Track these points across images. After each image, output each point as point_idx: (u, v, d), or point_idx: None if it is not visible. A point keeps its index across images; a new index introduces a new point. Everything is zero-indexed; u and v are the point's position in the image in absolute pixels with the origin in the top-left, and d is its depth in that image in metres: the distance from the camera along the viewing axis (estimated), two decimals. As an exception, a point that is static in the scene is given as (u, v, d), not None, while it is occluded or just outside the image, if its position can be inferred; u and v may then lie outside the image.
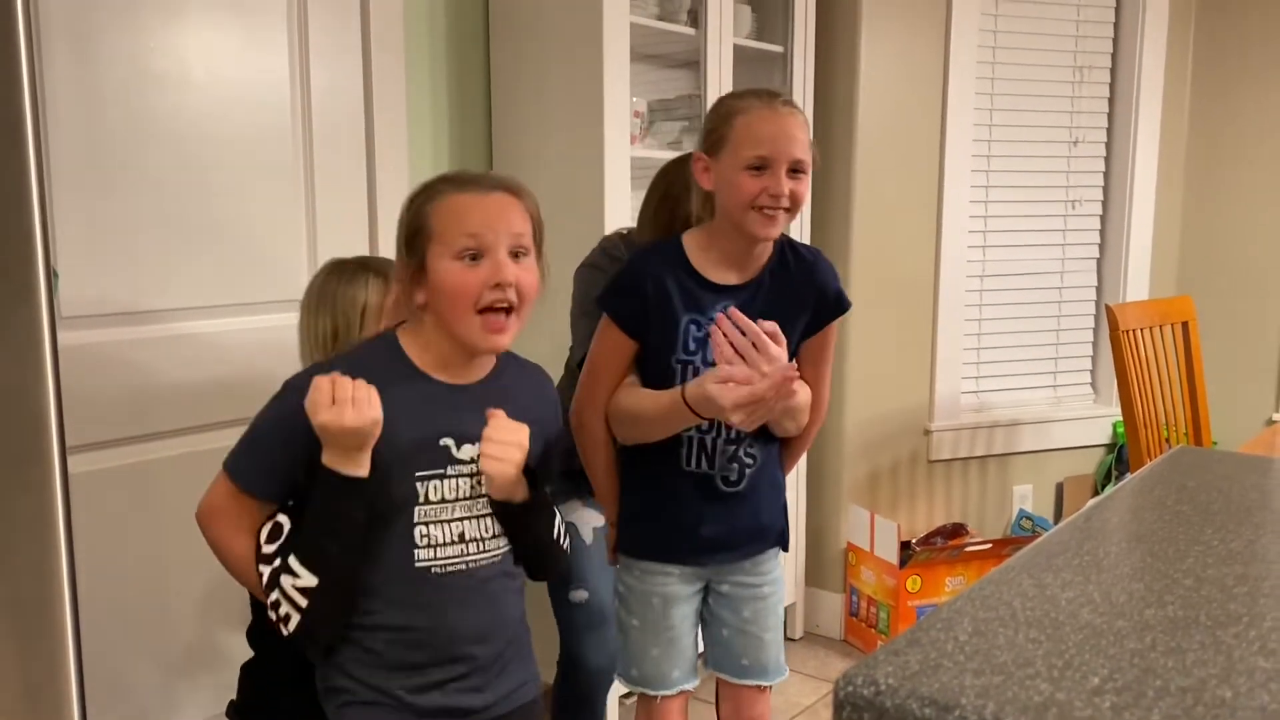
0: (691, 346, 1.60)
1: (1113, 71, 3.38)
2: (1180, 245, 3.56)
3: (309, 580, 1.28)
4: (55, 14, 1.74)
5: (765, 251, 1.62)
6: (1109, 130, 3.40)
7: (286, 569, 1.29)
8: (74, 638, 1.29)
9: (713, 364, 1.53)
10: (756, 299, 1.60)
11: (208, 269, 2.01)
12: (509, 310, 1.29)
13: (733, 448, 1.63)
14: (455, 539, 1.33)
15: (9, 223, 1.20)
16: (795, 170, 1.52)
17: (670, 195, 1.80)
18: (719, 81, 2.59)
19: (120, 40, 1.85)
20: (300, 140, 2.15)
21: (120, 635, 1.95)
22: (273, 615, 1.31)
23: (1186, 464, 1.14)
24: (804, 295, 1.63)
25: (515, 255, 1.30)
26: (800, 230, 2.89)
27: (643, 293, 1.59)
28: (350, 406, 1.23)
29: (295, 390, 1.31)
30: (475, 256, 1.28)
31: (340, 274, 1.59)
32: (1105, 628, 0.70)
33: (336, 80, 2.19)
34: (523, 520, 1.37)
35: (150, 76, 1.89)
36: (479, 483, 1.34)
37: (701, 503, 1.64)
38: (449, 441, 1.32)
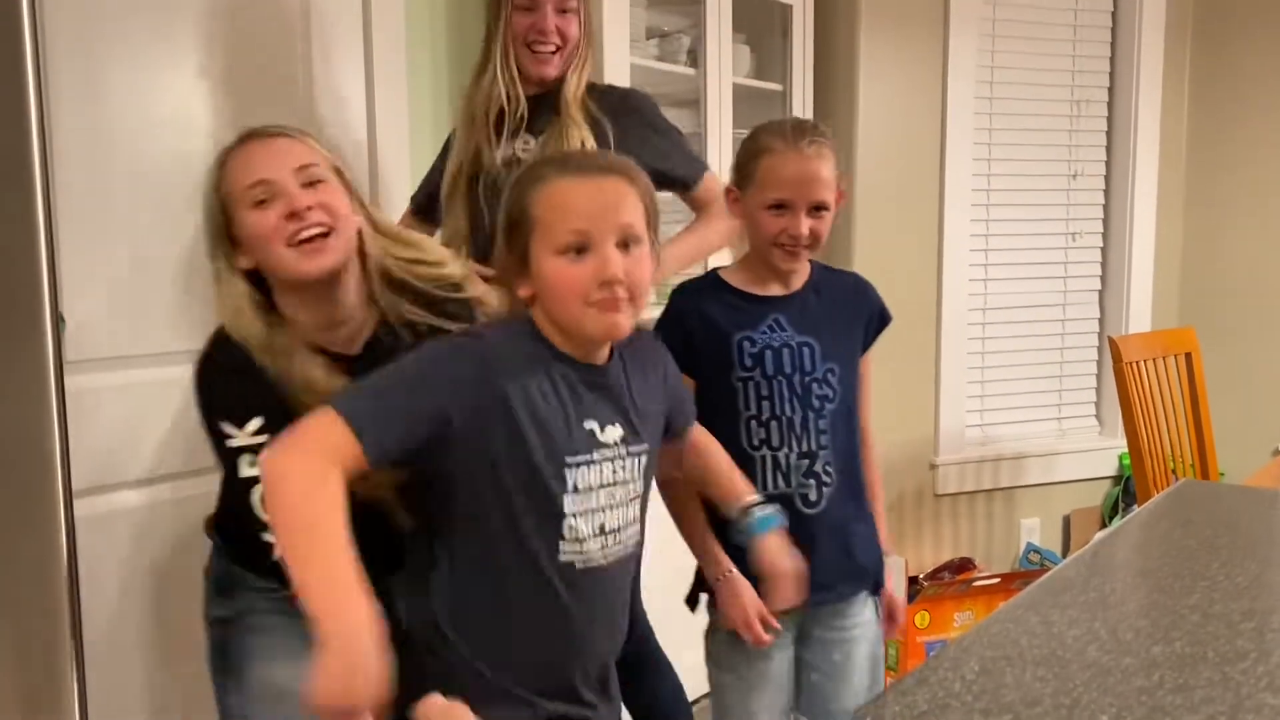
0: (748, 363, 1.57)
1: (1110, 105, 3.40)
2: (1181, 276, 3.57)
3: None
4: (62, 57, 1.77)
5: (803, 269, 1.63)
6: (1108, 163, 3.42)
7: None
8: (79, 681, 1.28)
9: (773, 377, 1.55)
10: (807, 309, 1.61)
11: (215, 311, 2.02)
12: (620, 303, 1.20)
13: (807, 462, 1.57)
14: (596, 531, 1.24)
15: (17, 268, 1.21)
16: (817, 208, 1.54)
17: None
18: (719, 120, 2.61)
19: (126, 84, 1.87)
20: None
21: (124, 676, 1.94)
22: None
23: (1191, 498, 1.14)
24: (854, 306, 1.66)
25: (626, 245, 1.20)
26: (802, 266, 2.91)
27: (686, 327, 1.57)
28: None
29: (457, 349, 1.20)
30: (581, 250, 1.18)
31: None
32: (1112, 665, 0.70)
33: (340, 115, 2.21)
34: None
35: (157, 120, 1.91)
36: (621, 467, 1.25)
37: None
38: (593, 425, 1.23)
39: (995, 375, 3.34)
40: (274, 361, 1.33)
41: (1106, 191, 3.44)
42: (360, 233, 1.38)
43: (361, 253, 1.39)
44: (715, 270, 1.66)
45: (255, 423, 1.33)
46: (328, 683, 0.99)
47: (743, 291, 1.61)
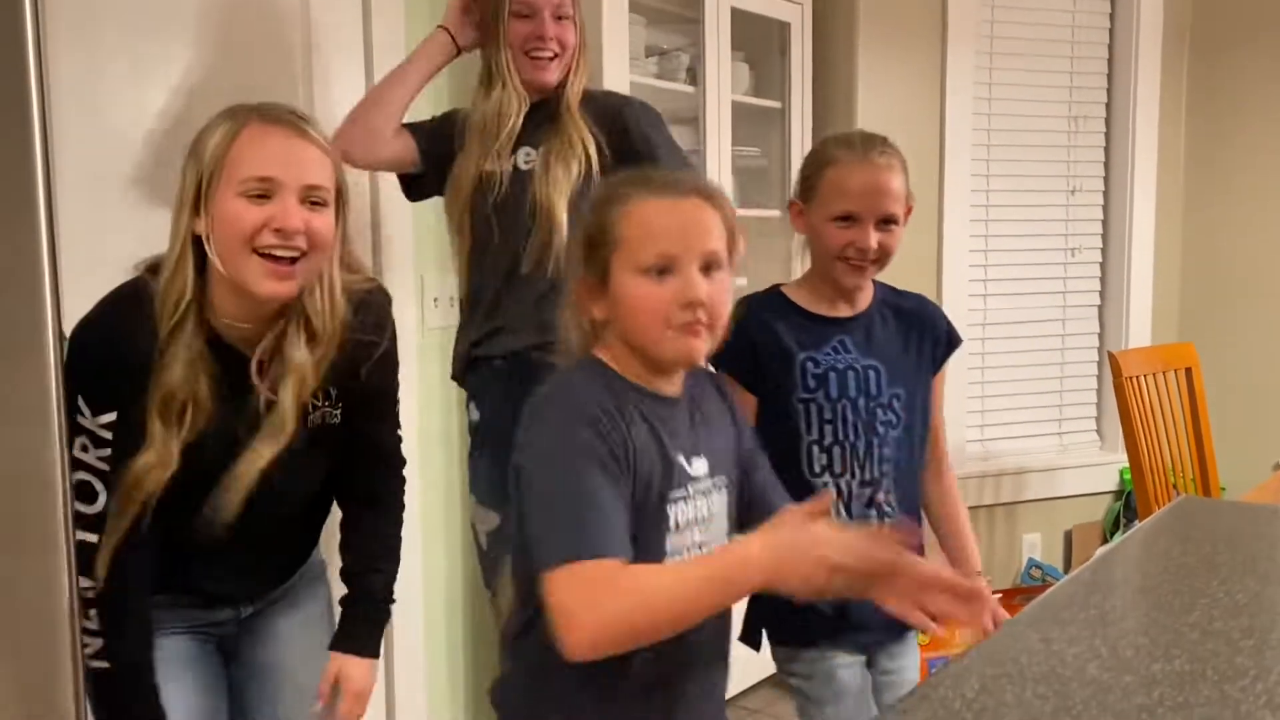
0: (811, 384, 1.52)
1: (1108, 120, 3.42)
2: (1181, 290, 3.58)
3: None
4: (64, 87, 1.77)
5: (867, 289, 1.59)
6: (1106, 178, 3.43)
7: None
8: (76, 704, 1.28)
9: (837, 400, 1.50)
10: (873, 332, 1.56)
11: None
12: (700, 327, 1.16)
13: (869, 491, 1.52)
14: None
15: (20, 287, 1.22)
16: (886, 221, 1.49)
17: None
18: (718, 138, 2.62)
19: (128, 110, 1.88)
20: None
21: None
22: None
23: (1191, 514, 1.14)
24: (921, 327, 1.61)
25: (708, 268, 1.16)
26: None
27: (752, 339, 1.51)
28: None
29: (578, 414, 1.12)
30: (664, 271, 1.15)
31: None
32: (1112, 683, 0.70)
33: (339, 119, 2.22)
34: None
35: (159, 147, 1.92)
36: (712, 502, 1.22)
37: None
38: (681, 459, 1.18)
39: (995, 390, 3.34)
40: (173, 334, 1.28)
41: (1105, 206, 3.45)
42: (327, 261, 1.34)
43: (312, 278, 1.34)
44: (779, 287, 1.61)
45: (108, 417, 1.29)
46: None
47: (807, 311, 1.56)
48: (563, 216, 1.87)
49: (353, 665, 1.49)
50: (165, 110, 1.93)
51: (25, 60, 1.19)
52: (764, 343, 1.51)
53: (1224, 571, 0.95)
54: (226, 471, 1.36)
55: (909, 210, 1.52)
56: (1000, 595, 3.02)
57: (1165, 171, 3.45)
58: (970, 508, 3.26)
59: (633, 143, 1.97)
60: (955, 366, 3.15)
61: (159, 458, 1.30)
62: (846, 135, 1.56)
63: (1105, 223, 3.45)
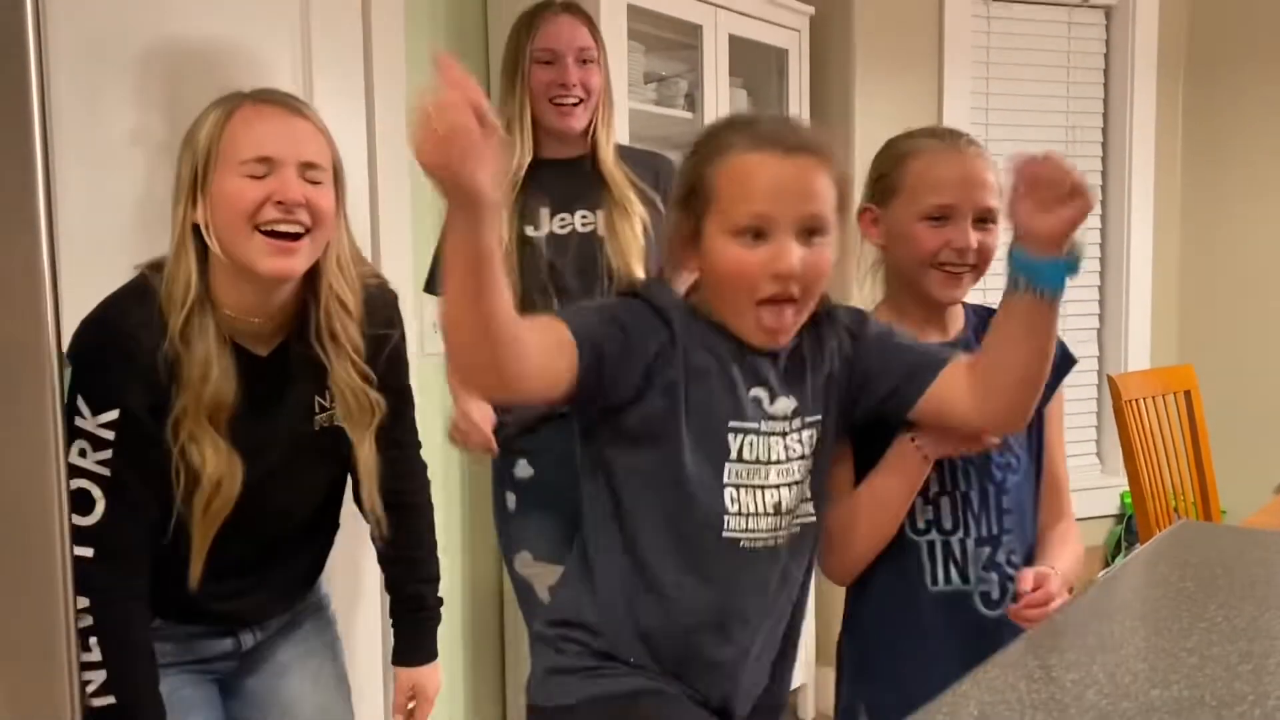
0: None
1: (1104, 144, 3.44)
2: (1180, 312, 3.59)
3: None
4: (64, 93, 1.78)
5: (956, 312, 1.36)
6: (1103, 201, 3.45)
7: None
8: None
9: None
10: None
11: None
12: (791, 301, 1.09)
13: (988, 550, 1.26)
14: (770, 509, 1.14)
15: (22, 310, 1.22)
16: (983, 220, 1.29)
17: None
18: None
19: (127, 115, 1.87)
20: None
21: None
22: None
23: (1189, 539, 1.14)
24: None
25: (809, 234, 1.08)
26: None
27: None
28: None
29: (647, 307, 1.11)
30: (759, 235, 1.07)
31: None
32: (1111, 710, 0.70)
33: (339, 124, 2.22)
34: None
35: (157, 149, 1.92)
36: (798, 440, 1.16)
37: (957, 641, 1.22)
38: (760, 393, 1.13)
39: (995, 414, 3.34)
40: (183, 333, 1.24)
41: (1102, 230, 3.46)
42: (329, 243, 1.32)
43: (318, 263, 1.31)
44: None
45: (109, 415, 1.24)
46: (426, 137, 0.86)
47: None
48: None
49: (423, 675, 1.53)
50: (161, 130, 1.94)
51: (27, 72, 1.21)
52: None
53: (1222, 596, 0.95)
54: (286, 475, 1.34)
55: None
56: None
57: (1162, 193, 3.47)
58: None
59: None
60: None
61: (218, 469, 1.25)
62: (924, 129, 1.37)
63: (1102, 245, 3.46)
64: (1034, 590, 1.16)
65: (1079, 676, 0.76)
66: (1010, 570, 1.26)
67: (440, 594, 1.56)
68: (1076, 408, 3.48)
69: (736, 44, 2.67)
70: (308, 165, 1.23)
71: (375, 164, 2.23)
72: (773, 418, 1.14)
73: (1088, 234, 3.43)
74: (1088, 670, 0.78)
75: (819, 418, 1.19)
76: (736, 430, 1.11)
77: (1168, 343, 3.55)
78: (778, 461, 1.13)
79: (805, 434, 1.17)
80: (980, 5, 3.17)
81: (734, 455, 1.11)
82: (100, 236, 1.85)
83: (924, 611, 1.25)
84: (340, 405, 1.35)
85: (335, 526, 1.55)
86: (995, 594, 1.26)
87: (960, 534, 1.26)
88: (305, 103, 1.30)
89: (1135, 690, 0.74)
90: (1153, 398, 2.88)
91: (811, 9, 2.91)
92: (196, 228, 1.26)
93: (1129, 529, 3.44)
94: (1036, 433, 1.34)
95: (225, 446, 1.26)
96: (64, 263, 1.62)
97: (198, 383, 1.23)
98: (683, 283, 1.20)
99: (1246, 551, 1.10)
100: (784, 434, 1.14)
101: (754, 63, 2.86)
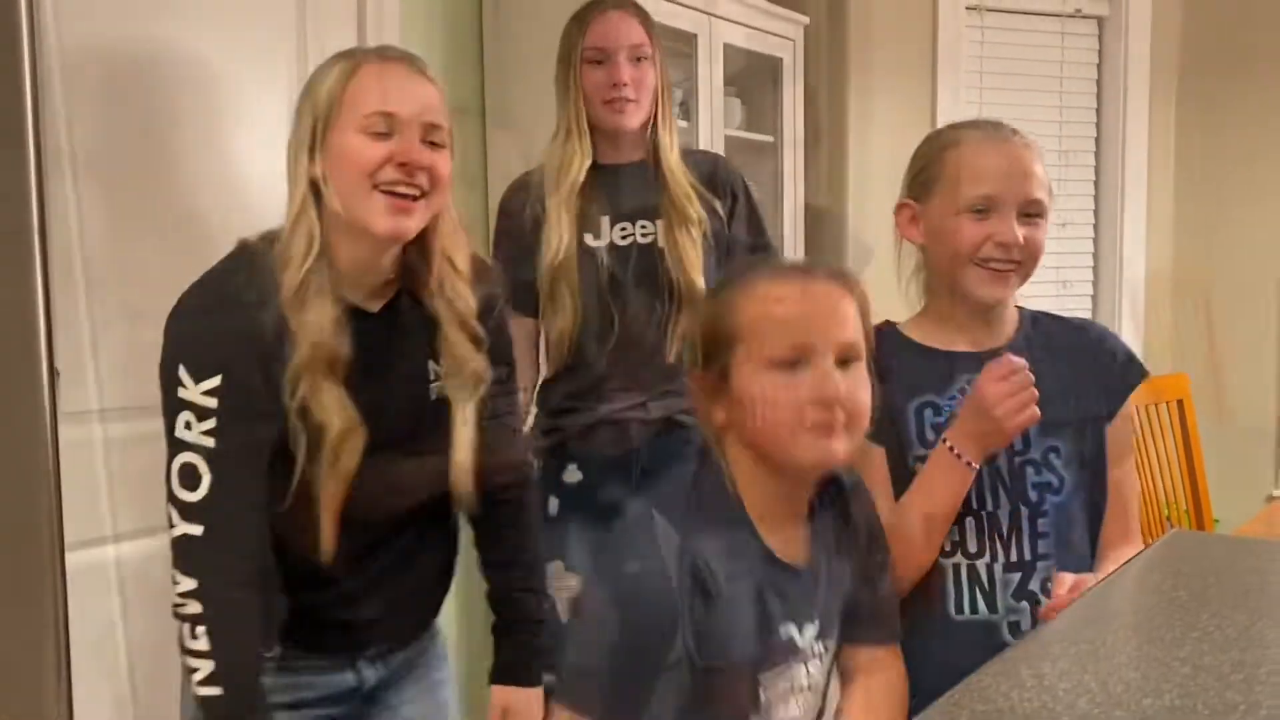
0: (930, 437, 1.22)
1: (1097, 154, 3.45)
2: (1174, 321, 3.60)
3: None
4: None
5: (1008, 316, 1.28)
6: (1096, 210, 3.47)
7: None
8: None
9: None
10: None
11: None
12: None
13: (1019, 576, 1.18)
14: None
15: (13, 323, 1.22)
16: (1030, 214, 1.22)
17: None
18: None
19: (134, 115, 1.87)
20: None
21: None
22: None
23: (1181, 549, 1.14)
24: (1080, 362, 1.27)
25: (845, 364, 1.03)
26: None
27: None
28: None
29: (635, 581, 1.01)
30: (796, 365, 1.01)
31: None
32: (1103, 718, 0.70)
33: None
34: None
35: (154, 155, 1.91)
36: (817, 666, 1.09)
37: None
38: (791, 630, 1.04)
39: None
40: (299, 290, 1.19)
41: (1095, 239, 3.48)
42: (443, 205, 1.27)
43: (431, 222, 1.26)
44: (889, 321, 1.31)
45: (212, 381, 1.18)
46: None
47: (924, 346, 1.27)
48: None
49: (519, 697, 1.38)
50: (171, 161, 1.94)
51: (21, 71, 1.21)
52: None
53: (1214, 605, 0.95)
54: (409, 444, 1.26)
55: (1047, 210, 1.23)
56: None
57: (1155, 203, 3.48)
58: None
59: (744, 211, 1.93)
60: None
61: (345, 421, 1.18)
62: (967, 120, 1.32)
63: (1096, 255, 3.48)
64: (1069, 593, 1.08)
65: (1071, 685, 0.77)
66: (1044, 598, 1.17)
67: (545, 612, 1.41)
68: (1070, 416, 3.49)
69: (731, 53, 2.68)
70: (430, 126, 1.19)
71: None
72: (799, 650, 1.06)
73: (1081, 243, 3.44)
74: (1080, 679, 0.78)
75: (835, 640, 1.12)
76: (766, 678, 1.05)
77: (1161, 352, 3.56)
78: (801, 690, 1.07)
79: (824, 660, 1.10)
80: (974, 15, 3.19)
81: (761, 706, 1.05)
82: (97, 246, 1.84)
83: (950, 641, 1.18)
84: (447, 365, 1.28)
85: (458, 529, 1.43)
86: (1026, 625, 1.17)
87: (987, 559, 1.19)
88: (426, 63, 1.25)
89: (1127, 699, 0.74)
90: (1145, 406, 2.89)
91: (806, 19, 2.92)
92: (315, 184, 1.21)
93: (1122, 538, 3.45)
94: (1093, 454, 1.24)
95: (347, 399, 1.19)
96: (61, 275, 1.61)
97: (314, 337, 1.18)
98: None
99: (1239, 560, 1.10)
100: (807, 660, 1.07)
101: (749, 71, 2.87)
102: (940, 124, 3.10)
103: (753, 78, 2.91)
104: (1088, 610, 0.94)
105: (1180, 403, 3.01)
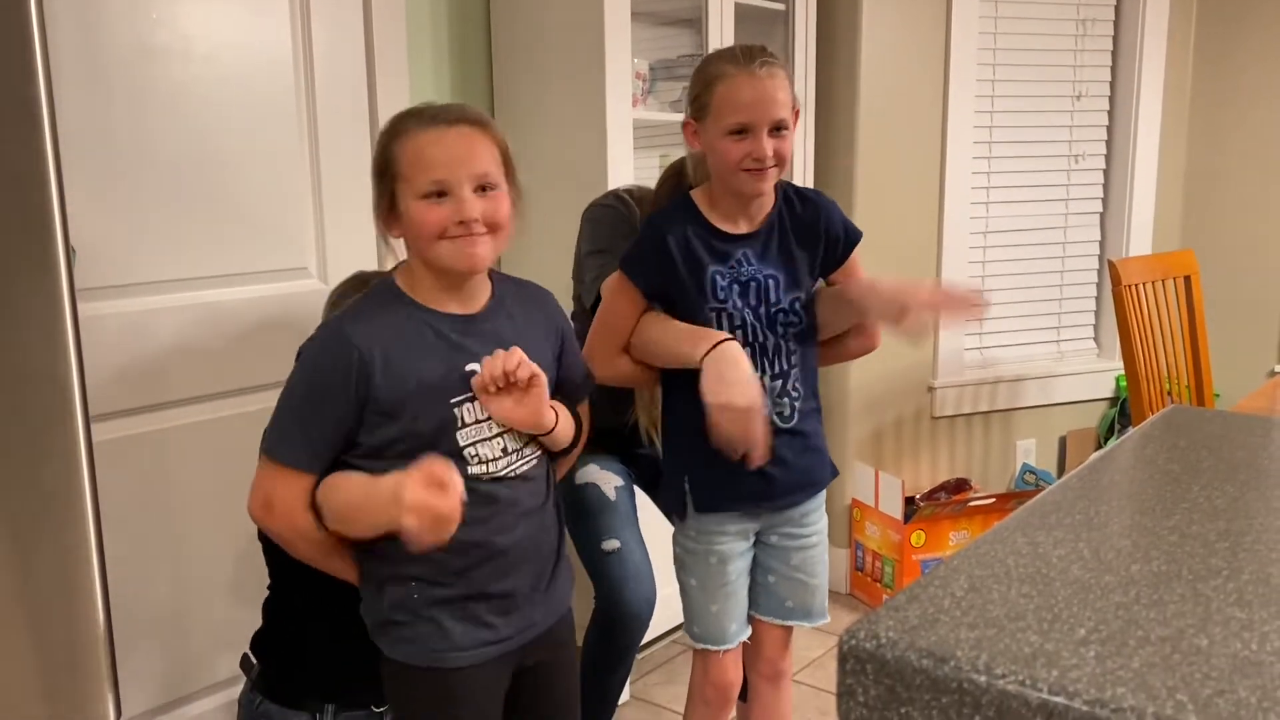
0: (720, 295, 1.65)
1: (1116, 25, 3.37)
2: (1184, 198, 3.57)
3: None
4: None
5: (767, 201, 1.69)
6: (1113, 84, 3.40)
7: None
8: (103, 600, 1.34)
9: (742, 309, 1.65)
10: (770, 245, 1.68)
11: (217, 239, 2.04)
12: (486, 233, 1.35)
13: (780, 383, 1.68)
14: (500, 453, 1.39)
15: (29, 205, 1.24)
16: (777, 129, 1.59)
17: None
18: (720, 41, 2.59)
19: (123, 14, 1.86)
20: (304, 106, 2.17)
21: (142, 599, 2.00)
22: None
23: (1179, 423, 1.17)
24: (813, 235, 1.71)
25: (483, 189, 1.34)
26: (804, 190, 2.91)
27: (666, 250, 1.63)
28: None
29: (312, 355, 1.37)
30: (441, 195, 1.32)
31: (359, 285, 1.62)
32: (1093, 583, 0.74)
33: (337, 45, 2.20)
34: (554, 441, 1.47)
35: (153, 51, 1.91)
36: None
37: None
38: (476, 367, 1.37)
39: (995, 298, 3.36)
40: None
41: (1110, 113, 3.42)
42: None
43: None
44: (688, 196, 1.70)
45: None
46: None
47: (713, 226, 1.67)
48: None
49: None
50: (164, 59, 1.91)
51: (34, 71, 1.21)
52: (680, 252, 1.63)
53: (1206, 478, 0.98)
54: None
55: (796, 114, 1.63)
56: (993, 500, 3.09)
57: (1172, 76, 3.42)
58: (966, 415, 3.33)
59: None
60: (955, 273, 3.19)
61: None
62: (728, 50, 1.64)
63: (1110, 129, 3.43)
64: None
65: (1065, 552, 0.80)
66: (795, 394, 1.69)
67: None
68: (1076, 292, 3.50)
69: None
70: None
71: (376, 124, 2.23)
72: None
73: (1095, 116, 3.39)
74: (1073, 546, 0.81)
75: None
76: (458, 403, 1.37)
77: (1171, 228, 3.55)
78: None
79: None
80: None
81: (459, 423, 1.38)
82: (101, 136, 1.84)
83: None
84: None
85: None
86: (786, 413, 1.69)
87: (760, 373, 1.64)
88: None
89: (1117, 565, 0.78)
90: (1152, 283, 2.90)
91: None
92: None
93: (1123, 412, 3.50)
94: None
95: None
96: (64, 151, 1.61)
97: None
98: (392, 255, 1.44)
99: (1233, 435, 1.13)
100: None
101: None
102: (955, 41, 3.04)
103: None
104: (1084, 482, 0.97)
105: (1188, 279, 3.02)
